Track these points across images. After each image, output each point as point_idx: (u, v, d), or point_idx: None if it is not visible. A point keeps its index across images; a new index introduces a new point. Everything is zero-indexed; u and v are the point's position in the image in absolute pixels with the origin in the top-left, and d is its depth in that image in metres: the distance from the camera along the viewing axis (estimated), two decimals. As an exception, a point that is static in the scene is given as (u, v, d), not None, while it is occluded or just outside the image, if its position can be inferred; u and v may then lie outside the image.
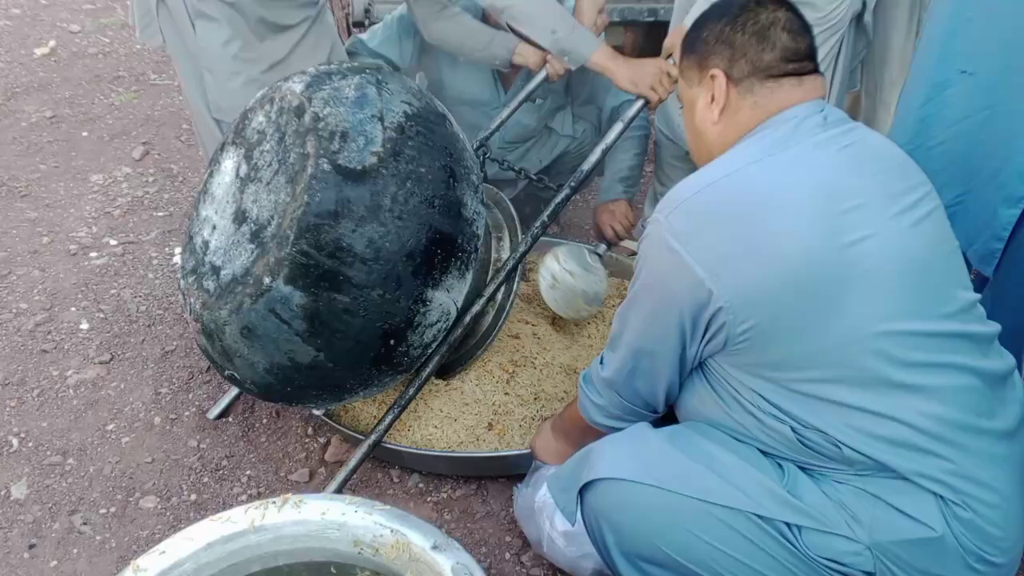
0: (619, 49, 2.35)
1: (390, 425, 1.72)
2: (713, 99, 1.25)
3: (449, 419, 1.80)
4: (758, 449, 1.19)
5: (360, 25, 2.95)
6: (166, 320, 2.34)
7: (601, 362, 1.37)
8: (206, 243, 1.73)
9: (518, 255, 1.79)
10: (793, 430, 1.13)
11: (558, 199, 1.79)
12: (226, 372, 1.69)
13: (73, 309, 2.37)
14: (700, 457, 1.19)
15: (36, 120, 3.42)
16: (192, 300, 1.69)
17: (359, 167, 1.51)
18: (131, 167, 3.12)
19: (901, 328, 1.09)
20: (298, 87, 1.65)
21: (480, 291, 1.76)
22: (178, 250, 2.63)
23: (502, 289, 1.82)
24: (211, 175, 1.82)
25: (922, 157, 1.32)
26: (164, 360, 2.19)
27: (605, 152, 1.82)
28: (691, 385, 1.28)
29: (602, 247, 2.10)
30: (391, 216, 1.50)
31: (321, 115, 1.56)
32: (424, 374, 1.72)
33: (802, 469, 1.16)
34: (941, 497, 1.08)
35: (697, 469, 1.17)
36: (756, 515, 1.13)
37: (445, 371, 1.88)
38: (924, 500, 1.09)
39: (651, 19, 3.05)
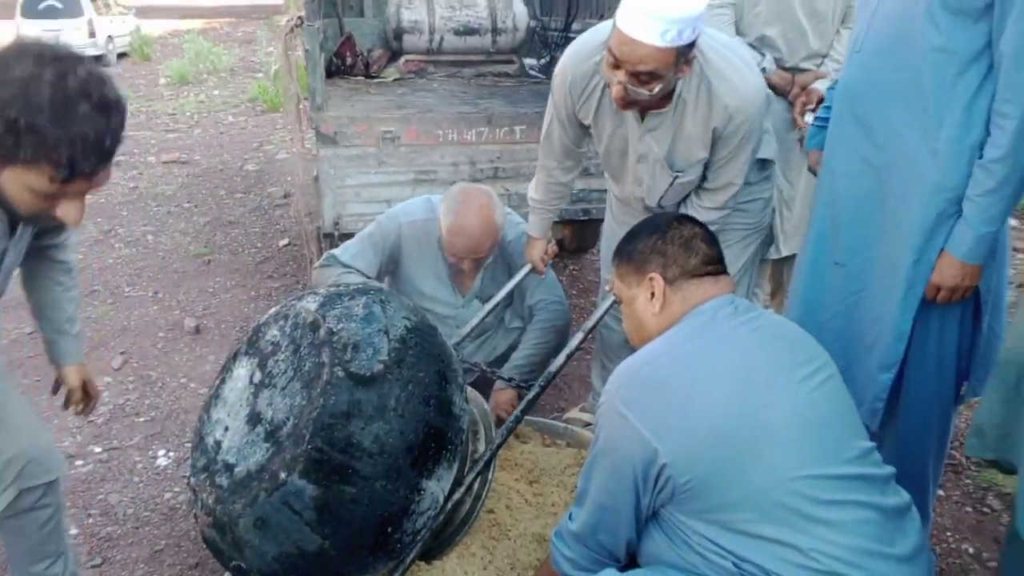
0: (559, 243, 2.80)
1: (380, 608, 1.91)
2: (653, 296, 1.63)
3: (433, 599, 2.00)
4: (708, 585, 1.47)
5: (330, 236, 3.34)
6: (153, 521, 2.49)
7: (570, 518, 1.65)
8: (218, 443, 1.96)
9: (494, 447, 2.08)
10: (735, 564, 1.42)
11: (529, 397, 2.11)
12: (233, 563, 1.87)
13: (61, 515, 2.51)
14: (662, 598, 1.46)
15: (16, 336, 3.63)
16: (204, 496, 1.90)
17: (368, 374, 1.81)
18: (111, 376, 3.33)
19: (810, 473, 1.41)
20: (312, 306, 1.98)
21: (459, 481, 2.03)
22: (161, 452, 2.82)
23: (479, 479, 2.09)
24: (223, 382, 2.09)
25: (814, 331, 1.70)
26: (153, 560, 2.33)
27: (571, 355, 2.17)
28: (648, 534, 1.56)
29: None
30: (395, 415, 1.78)
31: (335, 330, 1.88)
32: (408, 559, 1.93)
33: (745, 599, 1.44)
34: (859, 613, 1.37)
35: (661, 609, 1.44)
36: (714, 647, 1.39)
37: (424, 556, 2.09)
38: (846, 616, 1.37)
39: (585, 217, 3.62)
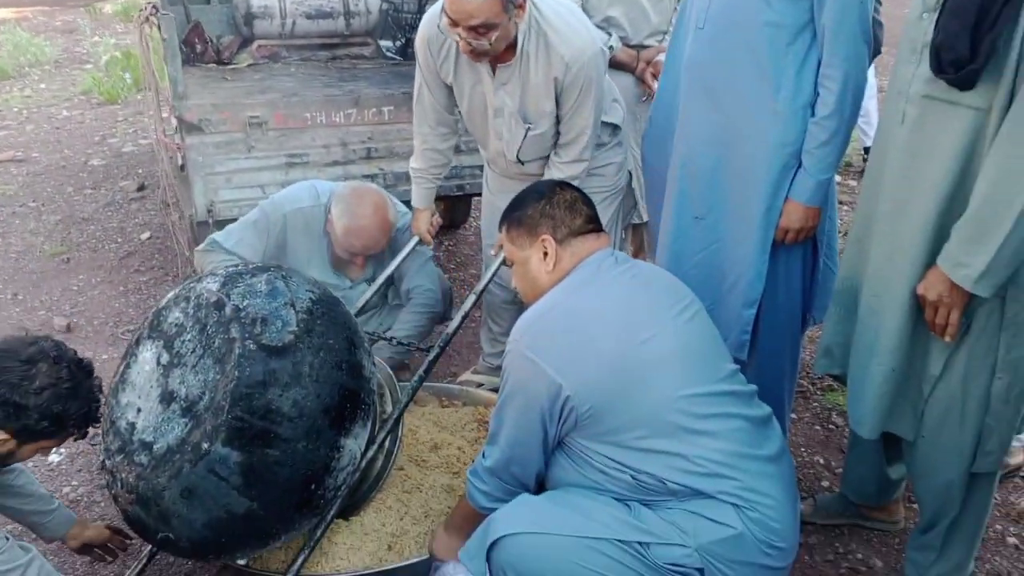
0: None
1: (303, 563, 2.01)
2: (546, 255, 1.82)
3: (353, 549, 2.10)
4: (611, 496, 1.67)
5: (204, 224, 3.28)
6: None
7: (484, 456, 1.82)
8: (132, 424, 1.99)
9: (401, 406, 2.20)
10: (632, 476, 1.64)
11: (430, 358, 2.25)
12: (160, 535, 1.92)
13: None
14: (572, 507, 1.66)
15: None
16: (123, 475, 1.93)
17: (280, 344, 1.90)
18: None
19: (689, 392, 1.64)
20: (214, 286, 2.03)
21: (372, 439, 2.15)
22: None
23: (389, 438, 2.22)
24: (127, 367, 2.10)
25: (681, 279, 1.95)
26: (62, 551, 2.28)
27: (466, 316, 2.31)
28: (555, 462, 1.76)
29: None
30: (310, 380, 1.88)
31: (241, 306, 1.95)
32: (328, 516, 2.04)
33: (643, 504, 1.65)
34: (736, 506, 1.61)
35: (571, 516, 1.64)
36: (617, 540, 1.60)
37: (344, 513, 2.20)
38: (726, 510, 1.61)
39: (459, 193, 3.76)
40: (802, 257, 2.25)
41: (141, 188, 5.24)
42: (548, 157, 2.52)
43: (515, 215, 1.91)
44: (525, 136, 2.43)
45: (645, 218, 3.21)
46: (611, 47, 2.94)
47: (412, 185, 2.73)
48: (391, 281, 2.91)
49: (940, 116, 1.67)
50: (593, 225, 1.87)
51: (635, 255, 3.38)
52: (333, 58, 4.81)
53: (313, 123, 3.48)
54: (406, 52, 4.78)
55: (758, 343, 2.30)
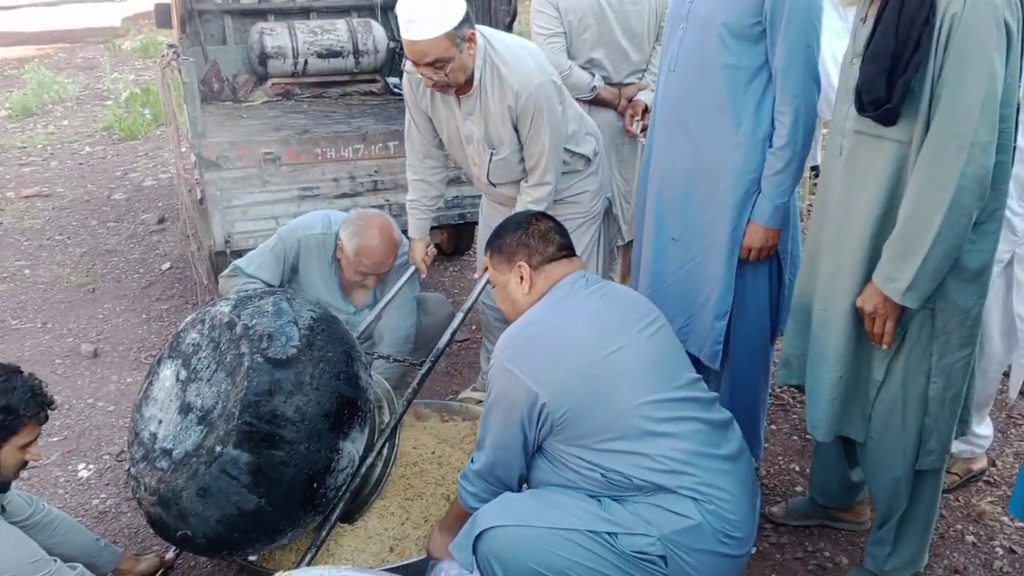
0: (437, 246, 3.12)
1: (311, 561, 2.20)
2: (522, 279, 2.03)
3: (357, 551, 2.29)
4: (584, 493, 1.86)
5: (222, 254, 3.52)
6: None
7: (472, 461, 2.02)
8: (154, 435, 2.21)
9: (397, 416, 2.40)
10: (602, 475, 1.83)
11: (423, 372, 2.45)
12: (179, 533, 2.12)
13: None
14: (549, 503, 1.85)
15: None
16: (146, 480, 2.15)
17: (284, 357, 2.12)
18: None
19: (652, 398, 1.84)
20: (226, 308, 2.27)
21: (371, 446, 2.34)
22: (81, 466, 2.96)
23: (387, 446, 2.41)
24: (150, 384, 2.33)
25: (661, 295, 2.15)
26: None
27: (454, 333, 2.51)
28: (535, 465, 1.95)
29: None
30: (311, 388, 2.10)
31: (250, 325, 2.18)
32: (333, 518, 2.24)
33: (613, 499, 1.84)
34: (695, 499, 1.80)
35: (548, 510, 1.83)
36: (589, 531, 1.78)
37: (348, 517, 2.40)
38: (686, 503, 1.79)
39: (460, 221, 3.96)
40: (768, 274, 2.45)
41: (161, 221, 5.50)
42: (519, 180, 2.73)
43: (496, 243, 2.13)
44: (490, 160, 2.66)
45: (628, 239, 3.42)
46: (595, 87, 3.18)
47: (408, 216, 2.95)
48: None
49: (869, 149, 1.87)
50: (565, 252, 2.08)
51: (623, 274, 3.58)
52: (344, 95, 5.08)
53: (324, 158, 3.72)
54: (412, 88, 5.04)
55: (731, 353, 2.49)
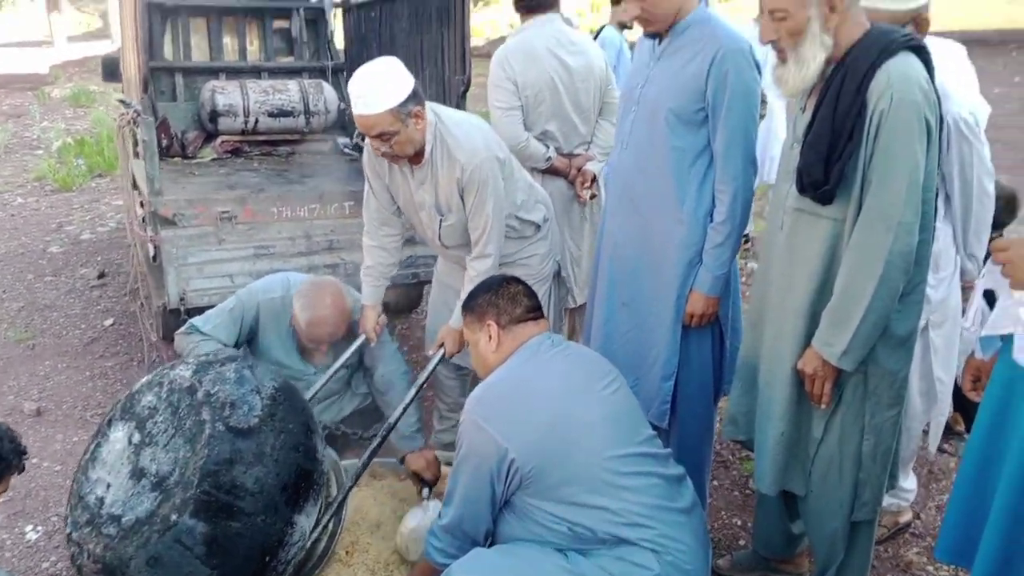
0: (386, 305, 3.15)
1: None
2: (491, 338, 2.14)
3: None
4: (552, 547, 1.94)
5: (176, 312, 3.50)
6: None
7: (440, 516, 2.08)
8: (101, 499, 2.18)
9: (345, 491, 2.39)
10: (569, 528, 1.91)
11: (373, 446, 2.46)
12: (123, 605, 2.09)
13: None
14: (518, 557, 1.92)
15: None
16: (90, 546, 2.11)
17: (246, 426, 2.14)
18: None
19: (614, 454, 1.94)
20: (187, 373, 2.28)
21: (319, 520, 2.28)
22: (28, 528, 2.89)
23: (333, 520, 2.35)
24: (98, 446, 2.30)
25: (611, 356, 2.28)
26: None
27: (405, 408, 2.57)
28: (503, 519, 2.02)
29: (426, 491, 2.71)
30: (271, 460, 2.12)
31: (212, 392, 2.20)
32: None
33: (579, 552, 1.91)
34: (655, 551, 1.89)
35: (518, 564, 1.90)
36: (556, 586, 1.87)
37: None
38: (647, 555, 1.89)
39: (413, 280, 4.02)
40: (711, 338, 2.60)
41: (102, 276, 5.43)
42: (468, 243, 2.84)
43: (469, 303, 2.25)
44: (440, 225, 2.79)
45: (579, 302, 3.56)
46: (549, 157, 3.36)
47: (362, 283, 3.02)
48: (355, 368, 3.18)
49: (808, 225, 2.05)
50: (533, 314, 2.20)
51: (570, 335, 3.71)
52: (292, 153, 5.16)
53: (280, 217, 3.77)
54: (361, 149, 5.15)
55: (677, 412, 2.62)
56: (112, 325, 4.65)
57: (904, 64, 1.88)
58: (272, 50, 5.40)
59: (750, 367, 2.32)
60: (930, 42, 2.33)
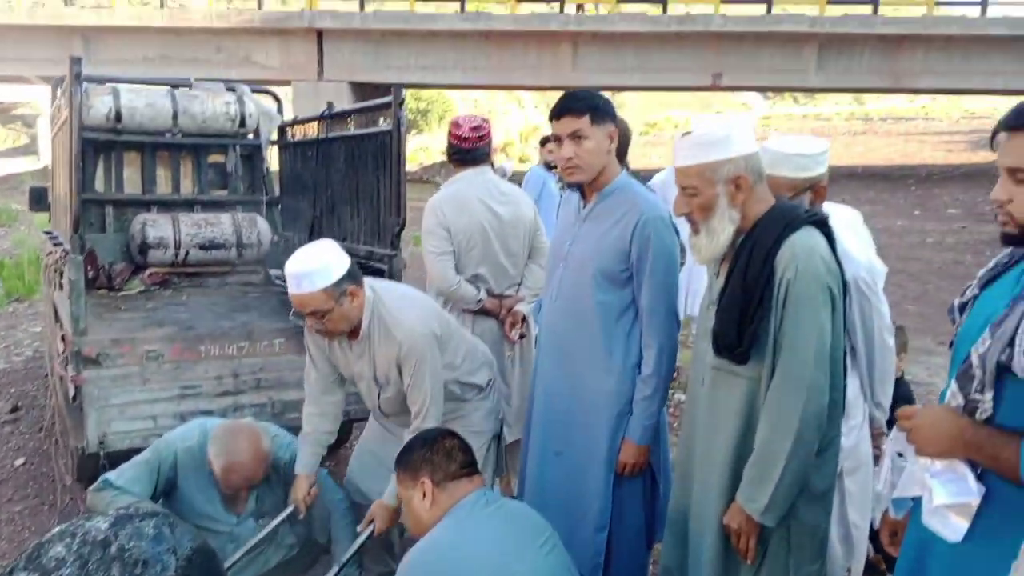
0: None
1: None
2: (424, 495, 2.15)
3: None
4: None
5: (95, 456, 3.36)
6: None
7: None
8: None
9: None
10: None
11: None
12: None
13: None
14: None
15: None
16: None
17: (157, 588, 2.09)
18: None
19: None
20: (103, 525, 2.21)
21: None
22: None
23: None
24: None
25: (544, 505, 2.32)
26: None
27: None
28: None
29: None
30: (178, 625, 2.07)
31: (127, 547, 2.14)
32: None
33: None
34: None
35: None
36: None
37: None
38: None
39: (345, 418, 3.73)
40: (643, 486, 2.66)
41: (15, 410, 5.21)
42: (407, 411, 2.87)
43: (403, 458, 2.27)
44: (379, 396, 2.87)
45: (510, 439, 3.58)
46: (480, 299, 3.47)
47: (299, 449, 3.02)
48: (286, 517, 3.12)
49: (727, 383, 2.16)
50: (468, 469, 2.23)
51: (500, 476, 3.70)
52: (223, 284, 5.15)
53: (207, 355, 3.72)
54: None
55: (611, 563, 2.64)
56: (23, 465, 4.44)
57: (807, 237, 2.05)
58: (206, 183, 5.46)
59: (681, 518, 2.37)
60: (831, 208, 2.56)
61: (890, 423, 2.70)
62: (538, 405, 2.75)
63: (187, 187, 5.44)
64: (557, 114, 2.50)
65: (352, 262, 2.70)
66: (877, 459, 2.54)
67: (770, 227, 2.07)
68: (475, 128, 3.52)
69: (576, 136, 2.46)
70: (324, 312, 2.63)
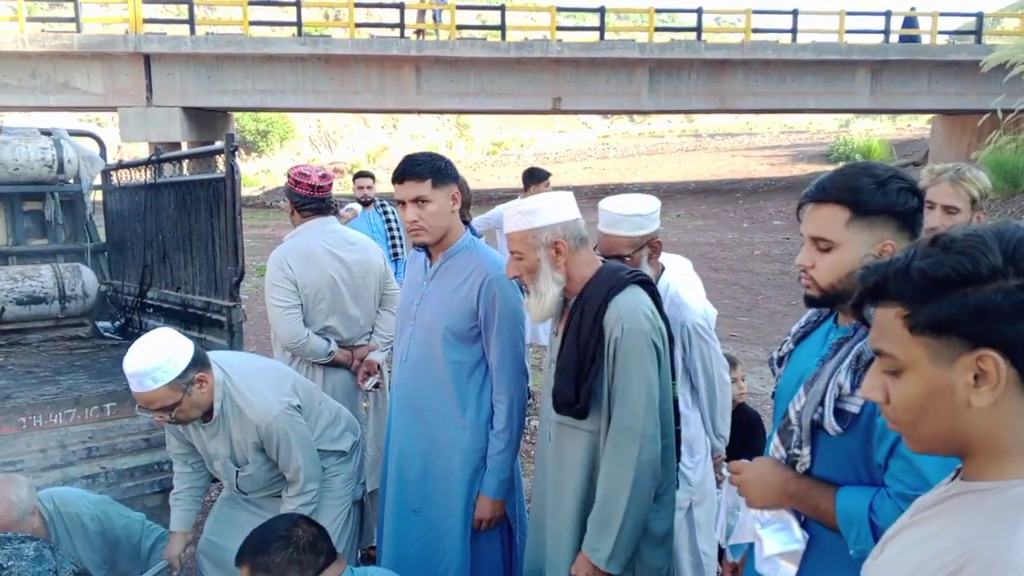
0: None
1: None
2: None
3: None
4: None
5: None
6: None
7: None
8: None
9: None
10: None
11: None
12: None
13: None
14: None
15: None
16: None
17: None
18: None
19: None
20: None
21: None
22: None
23: None
24: None
25: (403, 564, 2.31)
26: None
27: None
28: None
29: None
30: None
31: (5, 566, 2.06)
32: None
33: None
34: None
35: None
36: None
37: None
38: None
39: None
40: (500, 539, 2.70)
41: None
42: (270, 487, 2.82)
43: (259, 560, 2.17)
44: (237, 476, 2.79)
45: (370, 488, 3.53)
46: (331, 352, 3.40)
47: (171, 508, 2.92)
48: None
49: (570, 437, 2.24)
50: (331, 557, 2.22)
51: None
52: (46, 340, 4.78)
53: (29, 427, 3.43)
54: (125, 332, 4.88)
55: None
56: None
57: (631, 297, 2.17)
58: (22, 233, 5.06)
59: (537, 571, 2.41)
60: (666, 259, 2.70)
61: (729, 449, 2.89)
62: (393, 464, 2.73)
63: (0, 238, 5.03)
64: (399, 178, 2.50)
65: (196, 346, 2.59)
66: (719, 483, 2.69)
67: (597, 289, 2.18)
68: (323, 176, 3.47)
69: (419, 200, 2.47)
70: (171, 407, 2.52)
